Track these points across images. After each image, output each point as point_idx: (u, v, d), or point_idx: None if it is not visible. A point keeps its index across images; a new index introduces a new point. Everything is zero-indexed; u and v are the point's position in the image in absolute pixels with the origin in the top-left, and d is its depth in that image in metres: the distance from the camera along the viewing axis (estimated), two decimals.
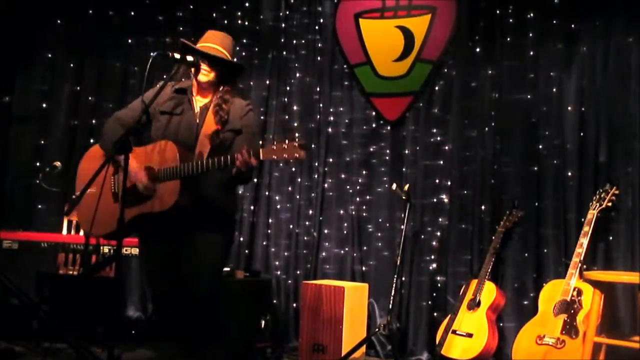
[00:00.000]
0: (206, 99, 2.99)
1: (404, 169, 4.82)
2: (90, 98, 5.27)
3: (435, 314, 4.59)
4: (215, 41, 2.97)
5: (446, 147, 4.72)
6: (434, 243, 4.68)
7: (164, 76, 2.92)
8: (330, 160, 5.02)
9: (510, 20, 4.58)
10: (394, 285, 4.25)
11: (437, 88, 4.79)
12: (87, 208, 2.86)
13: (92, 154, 3.05)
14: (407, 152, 4.82)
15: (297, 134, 2.86)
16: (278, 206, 5.06)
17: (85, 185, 2.71)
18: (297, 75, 5.13)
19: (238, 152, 2.65)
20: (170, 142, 2.85)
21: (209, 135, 2.86)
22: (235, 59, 3.08)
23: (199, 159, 2.79)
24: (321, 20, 5.11)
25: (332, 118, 5.04)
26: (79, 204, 2.85)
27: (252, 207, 5.08)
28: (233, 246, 3.85)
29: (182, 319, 2.87)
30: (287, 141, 2.58)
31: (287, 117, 5.11)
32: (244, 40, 5.10)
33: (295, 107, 5.11)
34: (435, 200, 4.71)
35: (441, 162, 4.72)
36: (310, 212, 5.02)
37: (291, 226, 5.05)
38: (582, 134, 4.33)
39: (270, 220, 5.08)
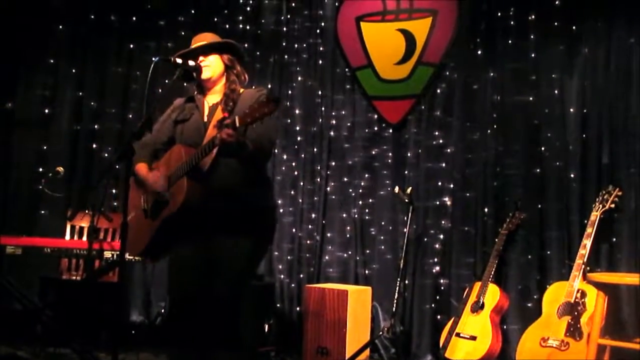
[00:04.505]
0: (217, 97, 2.96)
1: (406, 172, 4.81)
2: (92, 103, 5.30)
3: (438, 316, 4.58)
4: (199, 39, 2.98)
5: (448, 150, 4.71)
6: (437, 246, 4.67)
7: (166, 81, 2.93)
8: (333, 163, 5.02)
9: (512, 23, 4.57)
10: (397, 288, 4.25)
11: (438, 91, 4.78)
12: (132, 232, 2.81)
13: (133, 182, 2.96)
14: (409, 155, 4.82)
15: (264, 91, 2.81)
16: (281, 210, 5.06)
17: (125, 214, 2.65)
18: (299, 78, 5.14)
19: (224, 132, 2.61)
20: (178, 145, 2.87)
21: (215, 125, 2.80)
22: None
23: None
24: (322, 24, 5.11)
25: (334, 121, 5.04)
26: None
27: None
28: None
29: (199, 324, 2.83)
30: (256, 100, 2.64)
31: (288, 120, 5.12)
32: (246, 45, 5.09)
33: (297, 111, 5.12)
34: (437, 203, 4.70)
35: (443, 165, 4.71)
36: (313, 215, 5.02)
37: (294, 230, 5.05)
38: (584, 135, 4.32)
39: None
